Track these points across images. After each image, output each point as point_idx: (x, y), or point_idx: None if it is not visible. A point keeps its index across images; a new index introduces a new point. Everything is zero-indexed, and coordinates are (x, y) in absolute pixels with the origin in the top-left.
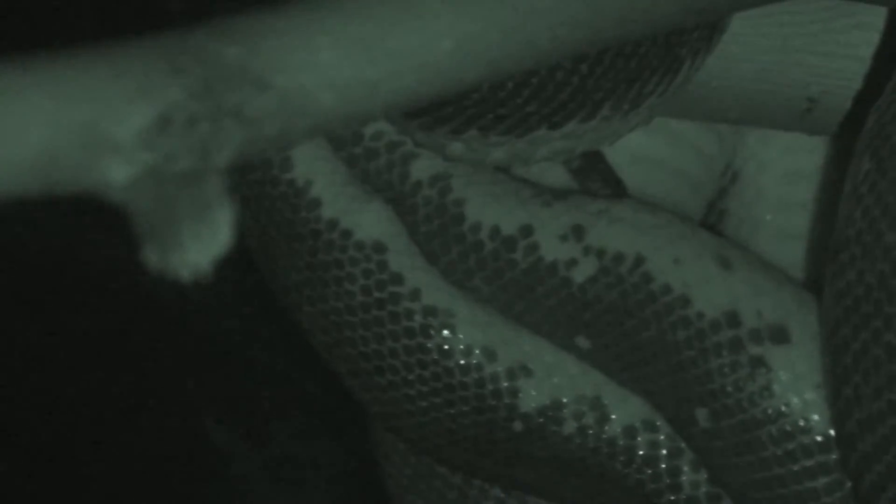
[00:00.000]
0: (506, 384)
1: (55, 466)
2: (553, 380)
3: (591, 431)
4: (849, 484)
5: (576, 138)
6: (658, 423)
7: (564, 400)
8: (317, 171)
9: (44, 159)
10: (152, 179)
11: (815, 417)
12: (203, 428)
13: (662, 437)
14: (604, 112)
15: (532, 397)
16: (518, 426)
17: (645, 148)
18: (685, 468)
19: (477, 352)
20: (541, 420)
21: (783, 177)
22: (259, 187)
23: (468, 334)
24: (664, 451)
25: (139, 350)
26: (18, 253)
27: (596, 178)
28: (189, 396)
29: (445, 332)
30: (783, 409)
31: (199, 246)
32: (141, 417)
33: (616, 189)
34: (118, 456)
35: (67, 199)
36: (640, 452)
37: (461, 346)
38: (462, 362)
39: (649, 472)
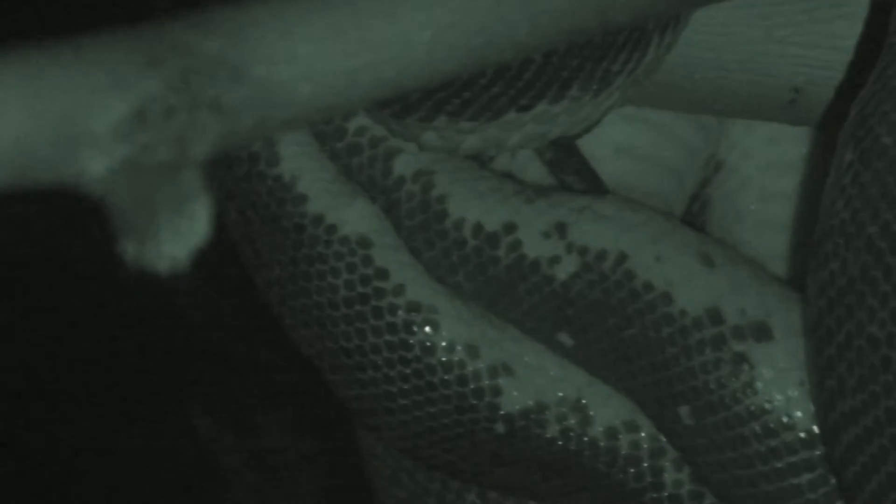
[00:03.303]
0: (487, 382)
1: (41, 461)
2: (535, 381)
3: (573, 434)
4: (833, 480)
5: (548, 121)
6: (640, 423)
7: (547, 402)
8: (303, 167)
9: (19, 152)
10: (129, 171)
11: (799, 414)
12: (190, 421)
13: (644, 437)
14: (572, 92)
15: (514, 398)
16: (500, 428)
17: (629, 140)
18: (667, 467)
19: (459, 348)
20: (523, 423)
21: (767, 167)
22: (245, 182)
23: (451, 331)
24: (646, 451)
25: (126, 345)
26: (3, 249)
27: (570, 171)
28: (176, 389)
29: (428, 329)
30: (766, 405)
31: (176, 238)
32: (128, 411)
33: (591, 182)
34: (105, 449)
35: (50, 195)
36: (623, 453)
37: (443, 343)
38: (444, 359)
39: (632, 471)
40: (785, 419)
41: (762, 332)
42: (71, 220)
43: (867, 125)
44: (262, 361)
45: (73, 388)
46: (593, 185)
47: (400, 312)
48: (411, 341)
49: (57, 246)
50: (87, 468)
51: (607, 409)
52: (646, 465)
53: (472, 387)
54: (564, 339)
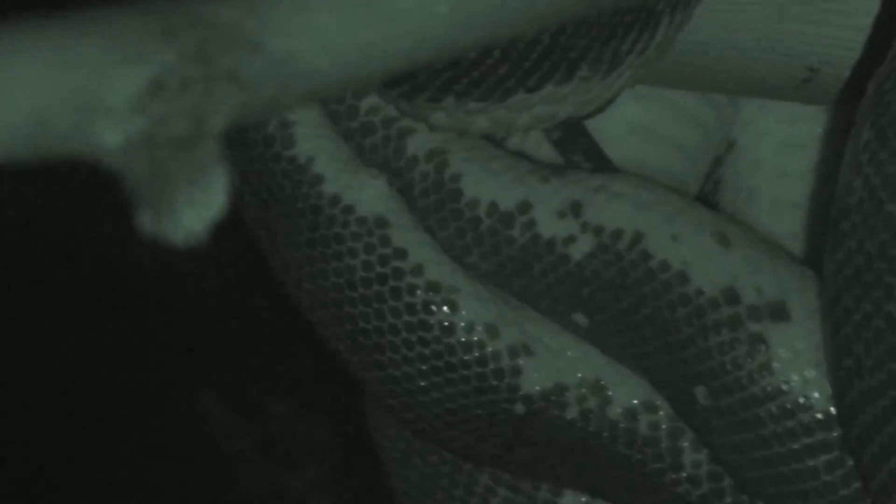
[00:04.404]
0: (507, 363)
1: (47, 448)
2: (555, 362)
3: (592, 415)
4: (849, 462)
5: (557, 102)
6: (658, 403)
7: (566, 383)
8: (319, 149)
9: (36, 123)
10: (146, 144)
11: (816, 395)
12: (198, 405)
13: (663, 417)
14: (581, 72)
15: (534, 379)
16: (519, 408)
17: (642, 119)
18: (686, 448)
19: (479, 328)
20: (543, 404)
21: (781, 146)
22: (260, 164)
23: (471, 310)
24: (665, 432)
25: (133, 327)
26: (9, 232)
27: (577, 151)
28: (184, 373)
29: (447, 309)
30: (783, 386)
31: (193, 211)
32: (136, 397)
33: (599, 162)
34: (113, 436)
35: (53, 179)
36: (642, 434)
37: (463, 323)
38: (463, 339)
39: (650, 452)
40: (801, 400)
41: (779, 313)
42: (74, 203)
43: (885, 102)
44: (271, 346)
45: (79, 374)
46: (601, 166)
47: (419, 293)
48: (430, 322)
49: (59, 231)
50: (94, 455)
51: (626, 390)
52: (664, 445)
53: (491, 367)
54: (580, 319)
